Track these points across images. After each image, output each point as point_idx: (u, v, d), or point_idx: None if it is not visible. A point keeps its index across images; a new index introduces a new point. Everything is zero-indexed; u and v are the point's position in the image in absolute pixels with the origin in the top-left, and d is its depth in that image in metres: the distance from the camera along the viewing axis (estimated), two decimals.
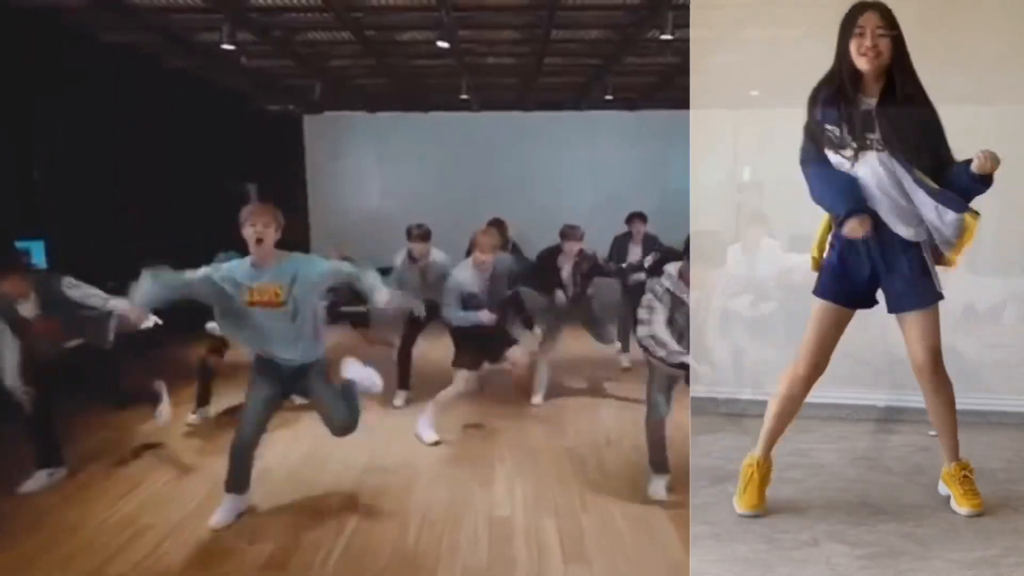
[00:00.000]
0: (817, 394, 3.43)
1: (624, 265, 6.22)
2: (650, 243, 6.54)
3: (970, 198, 2.36)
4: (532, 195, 9.96)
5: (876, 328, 3.00)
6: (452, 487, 3.78)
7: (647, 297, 3.43)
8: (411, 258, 5.26)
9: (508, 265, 4.89)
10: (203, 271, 3.29)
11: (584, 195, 10.08)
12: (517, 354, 4.68)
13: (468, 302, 4.60)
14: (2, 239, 5.17)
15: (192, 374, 5.94)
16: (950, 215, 2.34)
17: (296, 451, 4.32)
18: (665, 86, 8.56)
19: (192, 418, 4.98)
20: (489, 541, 3.16)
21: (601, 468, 4.03)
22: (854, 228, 2.36)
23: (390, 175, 10.36)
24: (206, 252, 5.07)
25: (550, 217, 8.80)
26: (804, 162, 2.49)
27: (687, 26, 5.06)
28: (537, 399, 5.33)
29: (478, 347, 4.68)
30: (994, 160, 2.26)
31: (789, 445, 2.69)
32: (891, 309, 2.51)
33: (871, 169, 2.41)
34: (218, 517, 3.33)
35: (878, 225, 2.42)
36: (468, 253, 5.97)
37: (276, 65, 7.55)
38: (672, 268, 3.44)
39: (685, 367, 3.38)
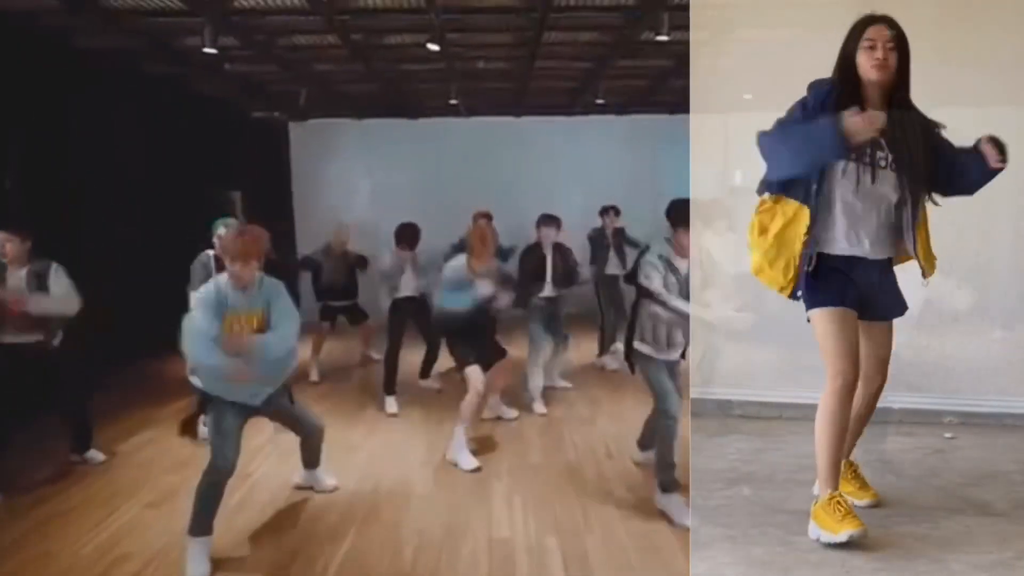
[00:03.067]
0: None
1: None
2: (619, 236, 6.77)
3: (981, 186, 2.38)
4: (523, 202, 9.82)
5: None
6: (450, 506, 3.65)
7: (645, 267, 3.33)
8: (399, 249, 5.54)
9: (505, 276, 4.75)
10: (196, 303, 3.08)
11: (575, 201, 9.97)
12: (505, 366, 4.59)
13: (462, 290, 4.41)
14: None
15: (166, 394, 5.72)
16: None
17: (288, 467, 4.11)
18: (656, 90, 8.50)
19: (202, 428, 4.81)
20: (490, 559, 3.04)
21: (602, 481, 3.89)
22: (861, 124, 2.15)
23: (378, 183, 10.21)
24: (188, 260, 4.91)
25: None
26: (768, 132, 2.32)
27: (683, 27, 4.98)
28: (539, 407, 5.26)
29: (472, 345, 4.54)
30: (1000, 146, 2.26)
31: (804, 448, 2.69)
32: (861, 316, 2.46)
33: (881, 192, 2.37)
34: (197, 571, 2.86)
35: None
36: (459, 248, 5.72)
37: (260, 70, 7.40)
38: (661, 243, 3.38)
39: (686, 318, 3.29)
